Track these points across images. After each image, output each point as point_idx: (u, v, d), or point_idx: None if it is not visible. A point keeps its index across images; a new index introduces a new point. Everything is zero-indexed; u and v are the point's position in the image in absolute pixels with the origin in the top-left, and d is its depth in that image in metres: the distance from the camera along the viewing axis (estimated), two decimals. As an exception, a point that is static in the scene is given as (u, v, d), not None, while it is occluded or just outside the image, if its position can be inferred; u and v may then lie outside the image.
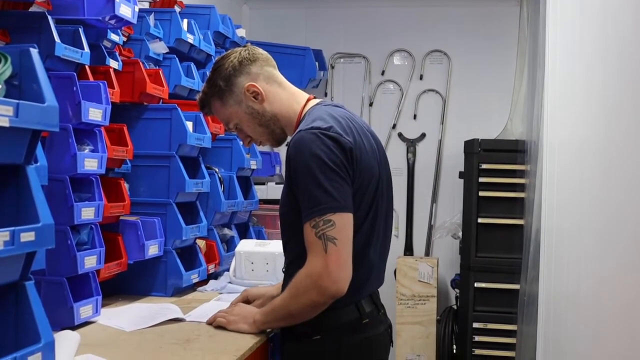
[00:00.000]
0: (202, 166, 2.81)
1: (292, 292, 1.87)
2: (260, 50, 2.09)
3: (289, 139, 2.02)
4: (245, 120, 2.05)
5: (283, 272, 2.04)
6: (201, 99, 2.10)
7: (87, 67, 2.19)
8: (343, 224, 1.79)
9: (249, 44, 2.12)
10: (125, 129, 2.40)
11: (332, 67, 5.08)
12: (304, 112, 2.00)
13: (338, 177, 1.79)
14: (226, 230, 3.10)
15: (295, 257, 1.90)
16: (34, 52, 1.40)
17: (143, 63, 2.57)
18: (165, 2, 3.08)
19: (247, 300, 2.24)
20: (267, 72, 2.05)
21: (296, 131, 1.89)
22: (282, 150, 4.78)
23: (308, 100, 2.05)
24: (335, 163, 1.79)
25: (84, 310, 2.06)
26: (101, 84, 2.15)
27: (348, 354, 1.89)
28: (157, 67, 2.75)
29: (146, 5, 2.96)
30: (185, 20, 2.98)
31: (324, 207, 1.77)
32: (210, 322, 2.13)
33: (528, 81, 3.61)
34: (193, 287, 2.73)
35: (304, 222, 1.80)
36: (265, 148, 4.70)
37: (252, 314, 2.05)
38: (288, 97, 2.05)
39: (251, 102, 2.02)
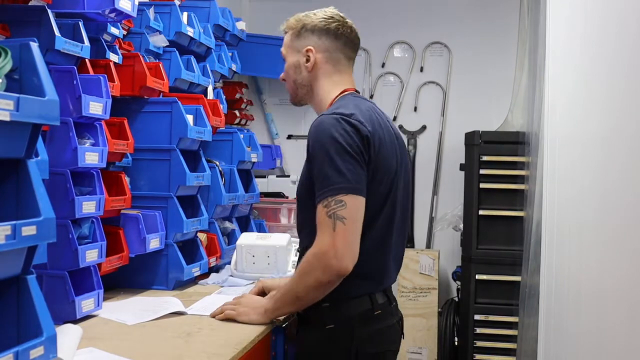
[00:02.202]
0: (203, 159, 2.81)
1: (299, 273, 1.92)
2: (350, 36, 2.11)
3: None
4: (288, 67, 2.14)
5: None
6: (287, 23, 2.17)
7: (87, 60, 2.18)
8: (354, 205, 1.83)
9: (350, 22, 2.13)
10: (125, 122, 2.40)
11: (333, 60, 5.06)
12: (335, 100, 2.06)
13: (353, 160, 1.84)
14: (227, 224, 3.10)
15: (309, 243, 1.93)
16: (34, 46, 1.40)
17: (143, 56, 2.57)
18: (165, -5, 3.07)
19: (262, 292, 2.25)
20: (334, 54, 2.09)
21: (319, 115, 1.96)
22: (282, 144, 4.79)
23: (345, 90, 2.09)
24: (351, 147, 1.84)
25: (86, 304, 2.06)
26: (101, 77, 2.15)
27: (360, 343, 1.92)
28: (157, 61, 2.75)
29: (146, -1, 2.95)
30: (185, 14, 2.98)
31: (336, 188, 1.82)
32: (215, 315, 2.14)
33: (529, 72, 3.60)
34: (194, 281, 2.73)
35: (317, 203, 1.85)
36: (266, 141, 4.71)
37: (262, 304, 2.08)
38: (334, 82, 2.10)
39: (302, 60, 2.10)
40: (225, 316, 2.11)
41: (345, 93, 2.08)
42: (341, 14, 2.14)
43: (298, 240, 2.82)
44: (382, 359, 2.00)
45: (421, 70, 4.96)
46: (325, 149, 1.84)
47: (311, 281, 1.87)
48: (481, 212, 4.07)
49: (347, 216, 1.81)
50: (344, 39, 2.10)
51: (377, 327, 1.96)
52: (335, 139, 1.84)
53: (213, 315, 2.14)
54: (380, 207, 1.94)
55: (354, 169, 1.84)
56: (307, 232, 1.98)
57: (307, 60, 2.08)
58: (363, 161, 1.87)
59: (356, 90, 2.14)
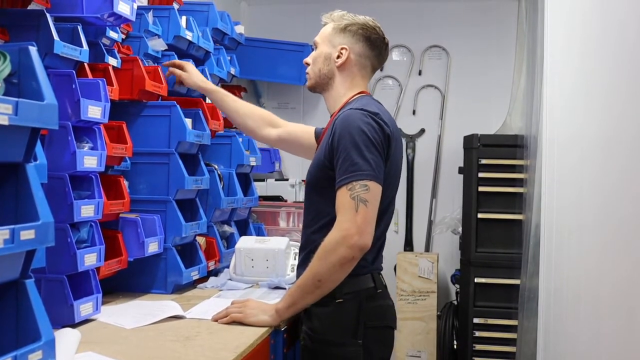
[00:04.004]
0: (202, 163, 2.81)
1: (320, 255, 2.00)
2: (382, 51, 2.27)
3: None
4: (318, 55, 2.28)
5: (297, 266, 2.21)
6: (332, 15, 2.29)
7: (86, 64, 2.18)
8: (375, 191, 1.99)
9: (387, 40, 2.28)
10: (124, 126, 2.39)
11: (331, 63, 5.06)
12: (352, 99, 2.20)
13: (377, 153, 2.01)
14: (226, 227, 3.09)
15: (315, 226, 2.10)
16: (33, 50, 1.40)
17: (142, 60, 2.56)
18: (164, -1, 3.07)
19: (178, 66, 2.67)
20: (364, 60, 2.24)
21: (347, 108, 2.11)
22: (281, 147, 4.78)
23: (362, 92, 2.24)
24: (376, 140, 2.01)
25: (84, 308, 2.06)
26: (100, 81, 2.15)
27: (367, 316, 2.06)
28: (156, 64, 2.75)
29: (145, 3, 2.95)
30: (184, 17, 2.97)
31: (363, 174, 1.97)
32: (218, 318, 2.13)
33: (527, 76, 3.61)
34: (193, 284, 2.72)
35: (340, 186, 1.99)
36: (265, 145, 4.70)
37: (270, 305, 2.12)
38: (354, 83, 2.25)
39: (334, 55, 2.23)
40: (230, 319, 2.10)
41: (363, 95, 2.22)
42: (382, 29, 2.28)
43: (297, 243, 2.84)
44: (386, 333, 2.16)
45: (419, 73, 4.97)
46: (353, 139, 1.99)
47: (336, 259, 1.96)
48: (480, 215, 4.08)
49: (369, 199, 1.96)
50: (377, 52, 2.25)
51: (380, 304, 2.12)
52: (363, 131, 2.00)
53: (216, 319, 2.13)
54: (389, 202, 2.13)
55: (377, 159, 2.00)
56: (313, 215, 2.14)
57: (339, 57, 2.22)
58: (383, 156, 2.03)
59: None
